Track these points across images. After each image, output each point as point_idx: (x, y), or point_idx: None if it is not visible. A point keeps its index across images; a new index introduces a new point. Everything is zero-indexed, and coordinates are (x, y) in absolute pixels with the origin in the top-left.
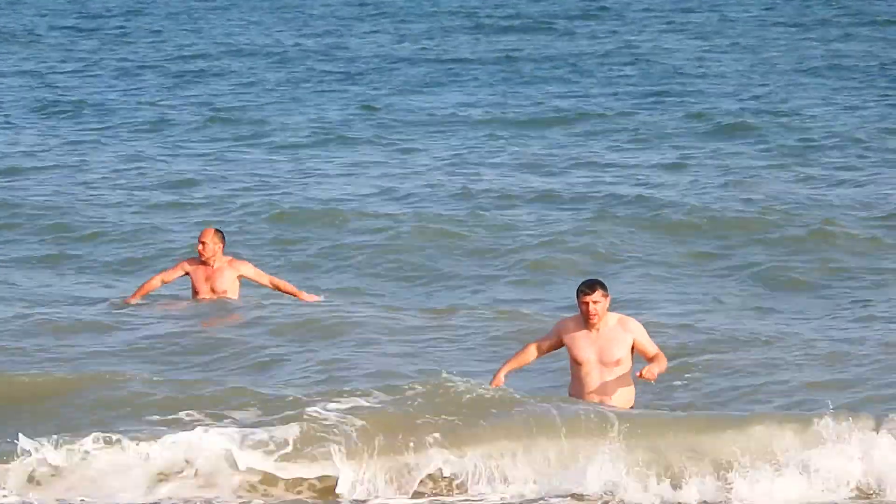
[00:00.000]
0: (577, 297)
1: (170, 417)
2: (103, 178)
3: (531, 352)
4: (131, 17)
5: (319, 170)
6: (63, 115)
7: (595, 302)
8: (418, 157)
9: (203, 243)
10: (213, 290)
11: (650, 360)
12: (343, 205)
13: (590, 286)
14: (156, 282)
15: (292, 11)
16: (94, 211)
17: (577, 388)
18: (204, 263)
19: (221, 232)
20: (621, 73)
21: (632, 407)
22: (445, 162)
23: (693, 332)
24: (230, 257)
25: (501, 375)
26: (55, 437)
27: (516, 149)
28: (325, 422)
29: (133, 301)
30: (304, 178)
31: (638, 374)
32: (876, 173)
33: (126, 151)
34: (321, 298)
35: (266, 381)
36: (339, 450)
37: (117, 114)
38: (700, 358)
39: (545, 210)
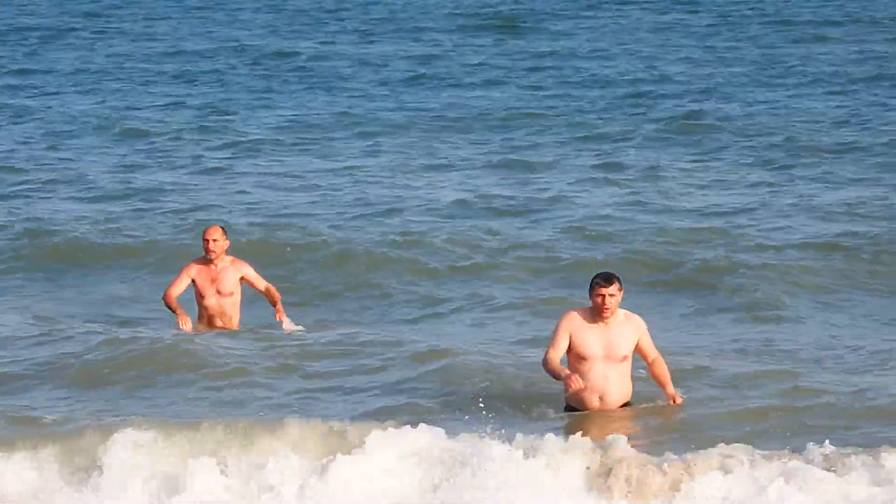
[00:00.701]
0: (591, 289)
1: None
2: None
3: (555, 360)
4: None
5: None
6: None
7: (611, 295)
8: (361, 164)
9: (213, 240)
10: (218, 292)
11: (650, 363)
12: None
13: (606, 279)
14: (172, 296)
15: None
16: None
17: None
18: (207, 264)
19: (225, 229)
20: (573, 74)
21: (629, 402)
22: (393, 168)
23: None
24: (232, 257)
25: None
26: None
27: (448, 153)
28: None
29: (187, 319)
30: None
31: (671, 401)
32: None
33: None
34: (294, 328)
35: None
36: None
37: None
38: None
39: (483, 219)
